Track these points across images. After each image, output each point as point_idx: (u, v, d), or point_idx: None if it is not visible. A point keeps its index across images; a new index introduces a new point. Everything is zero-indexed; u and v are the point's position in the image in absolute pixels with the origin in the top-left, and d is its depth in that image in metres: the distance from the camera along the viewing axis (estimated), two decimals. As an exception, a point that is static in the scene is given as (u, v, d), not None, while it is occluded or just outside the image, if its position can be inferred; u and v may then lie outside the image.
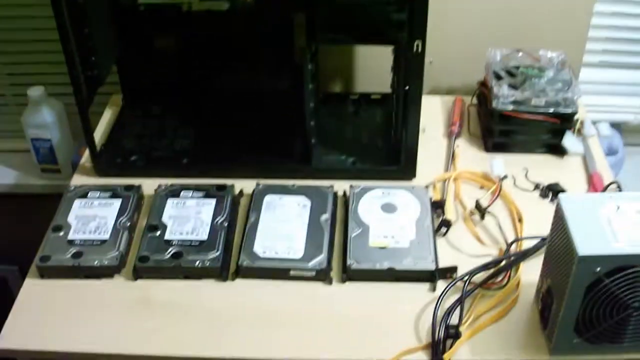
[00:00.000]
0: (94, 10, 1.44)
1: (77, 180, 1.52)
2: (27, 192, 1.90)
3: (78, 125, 1.50)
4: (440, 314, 1.22)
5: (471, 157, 1.55)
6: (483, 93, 1.58)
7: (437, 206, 1.41)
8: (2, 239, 2.05)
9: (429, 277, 1.29)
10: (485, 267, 1.29)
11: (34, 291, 1.32)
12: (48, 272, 1.33)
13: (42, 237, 1.40)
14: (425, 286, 1.29)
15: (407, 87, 1.36)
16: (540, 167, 1.52)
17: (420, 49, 1.31)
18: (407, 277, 1.30)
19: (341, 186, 1.46)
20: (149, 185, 1.47)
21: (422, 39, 1.30)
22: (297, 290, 1.30)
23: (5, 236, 2.03)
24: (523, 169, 1.50)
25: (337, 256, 1.34)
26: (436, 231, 1.36)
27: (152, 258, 1.31)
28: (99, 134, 1.63)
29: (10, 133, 1.97)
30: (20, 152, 1.92)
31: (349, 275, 1.30)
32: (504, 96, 1.48)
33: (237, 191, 1.46)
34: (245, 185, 1.47)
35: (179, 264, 1.31)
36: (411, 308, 1.26)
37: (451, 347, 1.18)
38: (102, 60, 1.48)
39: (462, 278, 1.27)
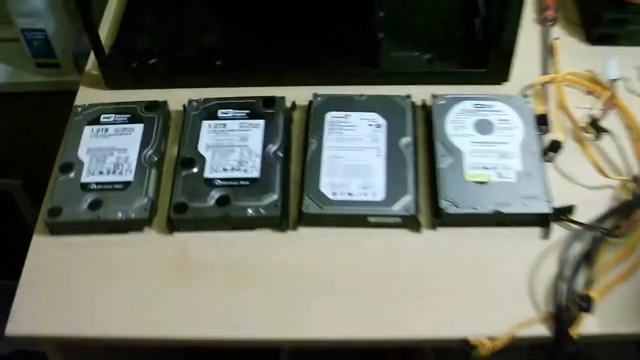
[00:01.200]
0: None
1: (84, 95, 1.12)
2: (22, 90, 1.49)
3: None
4: (564, 272, 0.90)
5: (572, 51, 1.15)
6: (585, -34, 1.17)
7: (541, 121, 1.05)
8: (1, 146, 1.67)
9: (542, 221, 0.96)
10: (615, 210, 0.95)
11: (44, 254, 0.96)
12: (60, 228, 0.97)
13: (46, 145, 1.07)
14: (534, 232, 0.96)
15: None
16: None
17: None
18: (514, 221, 0.96)
19: (415, 93, 1.08)
20: (175, 99, 1.09)
21: None
22: (376, 241, 0.96)
23: (3, 143, 1.64)
24: (635, 68, 1.12)
25: (423, 194, 0.99)
26: (543, 154, 1.01)
27: (191, 206, 0.96)
28: (105, 29, 1.21)
29: None
30: (9, 42, 1.49)
31: (443, 221, 0.96)
32: (623, -25, 1.08)
33: (288, 103, 1.08)
34: (297, 96, 1.09)
35: (227, 213, 0.95)
36: (521, 263, 0.93)
37: (576, 318, 0.87)
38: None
39: (589, 225, 0.93)
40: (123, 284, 0.93)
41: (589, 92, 1.09)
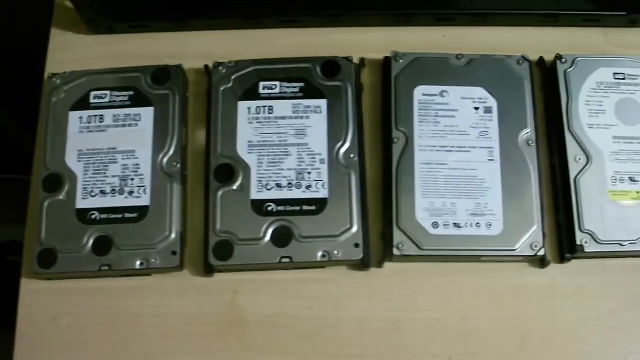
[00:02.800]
0: None
1: (58, 47, 0.70)
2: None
3: None
4: None
5: None
6: None
7: (700, 95, 0.70)
8: None
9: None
10: None
11: (40, 307, 0.64)
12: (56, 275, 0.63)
13: None
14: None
15: None
16: None
17: None
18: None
19: (526, 41, 0.71)
20: (189, 49, 0.70)
21: None
22: (487, 279, 0.65)
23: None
24: None
25: (548, 213, 0.66)
26: (698, 147, 0.69)
27: (237, 244, 0.62)
28: None
29: None
30: None
31: (576, 256, 0.65)
32: None
33: (355, 60, 0.69)
34: (362, 43, 0.71)
35: (290, 256, 0.62)
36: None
37: None
38: None
39: None
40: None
41: None
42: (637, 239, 0.64)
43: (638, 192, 0.65)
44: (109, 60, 0.68)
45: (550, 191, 0.67)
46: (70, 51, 0.70)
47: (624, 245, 0.64)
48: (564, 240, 0.66)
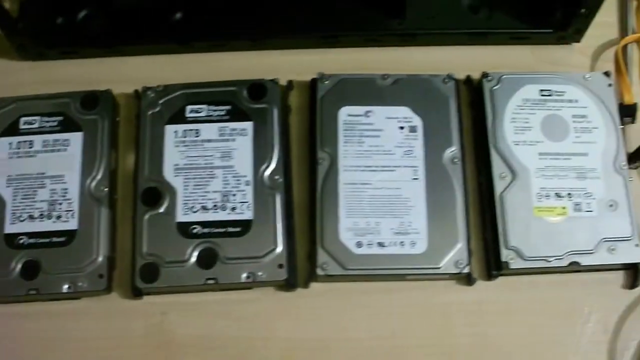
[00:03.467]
0: None
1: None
2: None
3: None
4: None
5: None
6: None
7: (627, 112, 0.71)
8: None
9: (628, 267, 0.67)
10: None
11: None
12: (-18, 301, 0.65)
13: None
14: (617, 278, 0.67)
15: None
16: None
17: None
18: (591, 269, 0.67)
19: (453, 59, 0.72)
20: (121, 74, 0.71)
21: None
22: (414, 297, 0.66)
23: None
24: None
25: (474, 230, 0.68)
26: (630, 162, 0.69)
27: (163, 266, 0.63)
28: None
29: None
30: None
31: (503, 273, 0.66)
32: None
33: (282, 81, 0.70)
34: (292, 65, 0.72)
35: (215, 278, 0.63)
36: (601, 320, 0.66)
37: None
38: None
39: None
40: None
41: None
42: (563, 255, 0.65)
43: (564, 208, 0.66)
44: (40, 86, 0.69)
45: (478, 208, 0.68)
46: (1, 77, 0.71)
47: (549, 261, 0.65)
48: (490, 257, 0.67)
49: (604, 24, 0.75)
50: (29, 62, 0.72)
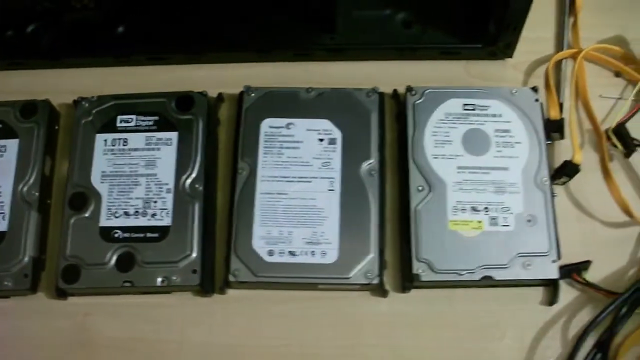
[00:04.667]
0: None
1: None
2: None
3: None
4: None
5: (599, 5, 0.78)
6: None
7: (554, 127, 0.71)
8: None
9: (545, 282, 0.67)
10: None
11: None
12: None
13: None
14: (536, 294, 0.68)
15: None
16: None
17: None
18: (509, 284, 0.67)
19: (385, 74, 0.74)
20: (65, 84, 0.75)
21: None
22: (327, 307, 0.68)
23: None
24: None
25: (391, 242, 0.69)
26: (552, 178, 0.70)
27: (84, 269, 0.67)
28: None
29: None
30: None
31: (416, 285, 0.67)
32: None
33: (213, 91, 0.73)
34: (227, 78, 0.75)
35: (131, 281, 0.66)
36: (518, 339, 0.66)
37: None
38: None
39: (610, 292, 0.65)
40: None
41: (618, 74, 0.75)
42: (476, 269, 0.65)
43: (479, 222, 0.67)
44: (-15, 96, 0.75)
45: (396, 220, 0.70)
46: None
47: (461, 275, 0.65)
48: (404, 269, 0.68)
49: (540, 39, 0.76)
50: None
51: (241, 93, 0.73)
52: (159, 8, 0.77)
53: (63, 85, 0.76)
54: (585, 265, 0.67)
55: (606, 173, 0.70)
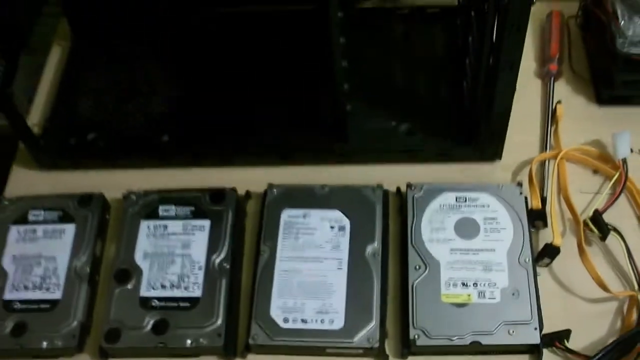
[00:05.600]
0: None
1: (15, 179, 0.96)
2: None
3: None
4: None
5: (575, 113, 0.95)
6: (596, 15, 0.95)
7: (536, 216, 0.86)
8: None
9: (530, 349, 0.79)
10: (617, 343, 0.78)
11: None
12: None
13: None
14: (522, 360, 0.80)
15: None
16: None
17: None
18: (496, 351, 0.80)
19: (390, 175, 0.90)
20: (117, 182, 0.93)
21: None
22: (335, 372, 0.81)
23: None
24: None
25: (393, 313, 0.83)
26: (536, 260, 0.83)
27: (125, 332, 0.81)
28: (44, 93, 1.03)
29: None
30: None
31: (413, 351, 0.80)
32: (635, 35, 0.87)
33: (242, 189, 0.90)
34: (253, 179, 0.92)
35: (165, 342, 0.81)
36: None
37: None
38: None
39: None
40: None
41: (595, 172, 0.91)
42: (465, 335, 0.78)
43: (469, 295, 0.80)
44: (51, 189, 0.93)
45: (398, 294, 0.83)
46: (21, 181, 0.96)
47: (452, 340, 0.78)
48: (403, 337, 0.80)
49: (527, 143, 0.93)
50: (44, 171, 0.96)
51: (265, 190, 0.90)
52: (197, 122, 0.97)
53: (115, 182, 0.93)
54: (566, 333, 0.79)
55: (584, 255, 0.82)
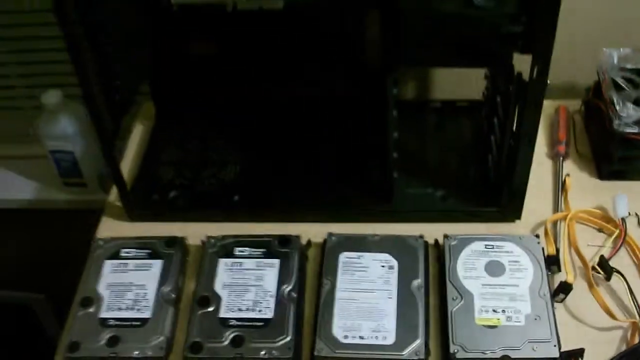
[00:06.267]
0: (115, 22, 1.08)
1: (106, 226, 1.18)
2: (49, 207, 1.55)
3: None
4: None
5: (583, 186, 1.19)
6: (596, 104, 1.21)
7: (552, 261, 1.07)
8: (24, 261, 1.72)
9: (553, 364, 0.98)
10: (623, 355, 0.97)
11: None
12: (78, 363, 1.01)
13: (69, 261, 1.14)
14: (546, 376, 0.98)
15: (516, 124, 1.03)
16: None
17: (540, 73, 0.95)
18: (523, 364, 0.98)
19: (429, 231, 1.11)
20: (193, 232, 1.13)
21: (544, 61, 0.94)
22: (388, 383, 0.99)
23: (27, 257, 1.70)
24: (648, 203, 1.16)
25: (434, 335, 1.01)
26: (553, 297, 1.03)
27: (205, 345, 0.99)
28: (129, 160, 1.28)
29: (27, 138, 1.51)
30: (38, 159, 1.53)
31: (453, 363, 0.99)
32: (629, 116, 1.12)
33: (303, 241, 1.12)
34: (313, 232, 1.13)
35: (241, 355, 0.98)
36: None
37: None
38: (127, 81, 1.13)
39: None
40: None
41: (600, 230, 1.12)
42: (497, 349, 0.96)
43: (498, 319, 0.99)
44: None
45: (438, 321, 1.02)
46: (114, 229, 1.16)
47: (486, 354, 0.96)
48: (444, 353, 0.99)
49: (542, 208, 1.15)
50: (133, 223, 1.17)
51: (325, 238, 1.10)
52: (263, 185, 1.19)
53: (191, 233, 1.13)
54: (580, 351, 0.97)
55: (593, 288, 1.02)
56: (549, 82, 0.97)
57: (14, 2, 1.44)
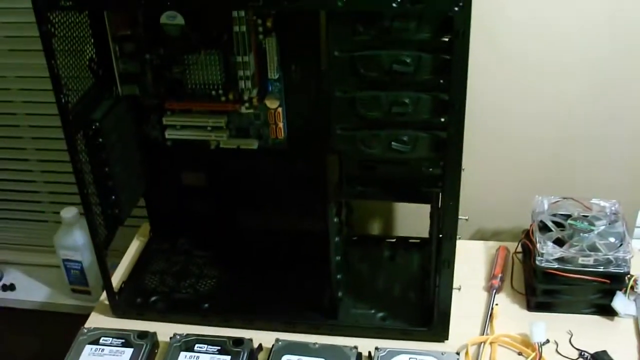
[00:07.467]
0: (115, 147, 1.39)
1: (94, 319, 1.45)
2: (57, 310, 1.87)
3: (113, 245, 1.46)
4: None
5: (511, 315, 1.42)
6: (527, 245, 1.46)
7: (467, 381, 1.30)
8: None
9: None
10: None
11: None
12: None
13: None
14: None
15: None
16: (588, 329, 1.38)
17: (451, 209, 1.22)
18: None
19: (367, 345, 1.34)
20: (165, 331, 1.39)
21: (454, 198, 1.20)
22: None
23: (37, 357, 1.99)
24: (568, 332, 1.36)
25: None
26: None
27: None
28: (123, 268, 1.58)
29: (47, 248, 1.92)
30: (54, 268, 1.87)
31: None
32: (549, 254, 1.36)
33: (255, 344, 1.36)
34: (265, 339, 1.37)
35: None
36: None
37: None
38: (124, 198, 1.43)
39: None
40: None
41: (520, 353, 1.33)
42: None
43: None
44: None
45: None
46: (100, 321, 1.43)
47: None
48: None
49: (471, 333, 1.37)
50: (118, 319, 1.44)
51: (273, 344, 1.34)
52: (229, 297, 1.47)
53: (165, 331, 1.39)
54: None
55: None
56: (466, 218, 1.25)
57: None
